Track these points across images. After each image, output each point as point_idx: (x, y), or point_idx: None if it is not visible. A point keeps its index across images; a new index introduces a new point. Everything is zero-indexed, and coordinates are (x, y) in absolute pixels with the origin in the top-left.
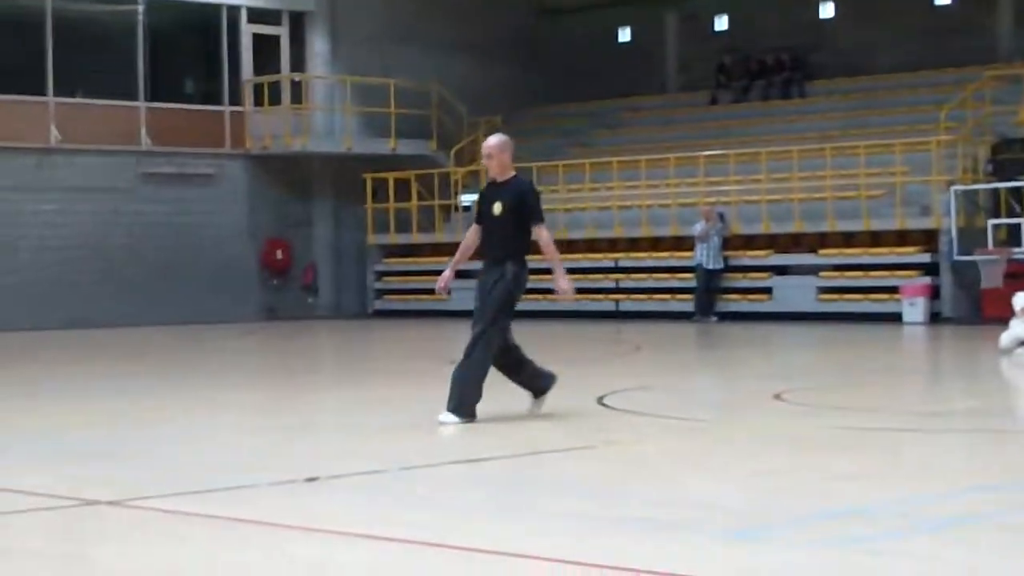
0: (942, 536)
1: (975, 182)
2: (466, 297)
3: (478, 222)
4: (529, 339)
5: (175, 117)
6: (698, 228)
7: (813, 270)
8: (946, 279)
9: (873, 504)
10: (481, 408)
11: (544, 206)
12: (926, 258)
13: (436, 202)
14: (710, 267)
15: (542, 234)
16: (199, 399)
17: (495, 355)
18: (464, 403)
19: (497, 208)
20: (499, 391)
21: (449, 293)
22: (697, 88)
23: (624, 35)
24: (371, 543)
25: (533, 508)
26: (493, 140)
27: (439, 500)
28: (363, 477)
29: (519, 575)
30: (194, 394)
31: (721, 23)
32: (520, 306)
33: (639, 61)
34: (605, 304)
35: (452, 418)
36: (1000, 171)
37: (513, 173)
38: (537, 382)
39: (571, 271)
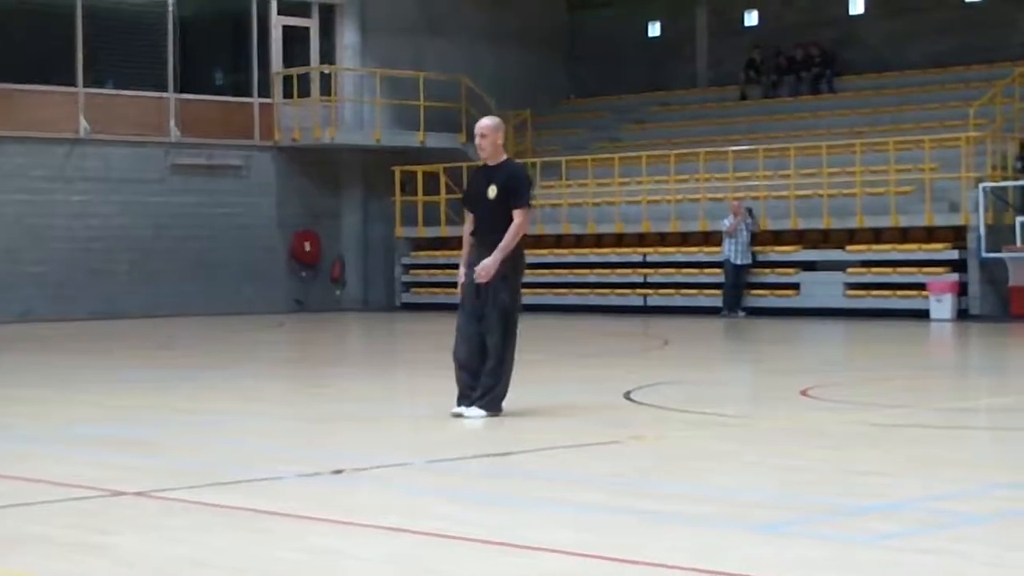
0: (969, 533)
1: (1004, 179)
2: None
3: (468, 207)
4: (556, 333)
5: (204, 108)
6: (727, 223)
7: (841, 266)
8: (974, 276)
9: (900, 500)
10: (508, 405)
11: (573, 200)
12: (954, 255)
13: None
14: (738, 262)
15: (519, 217)
16: (226, 390)
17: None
18: (497, 398)
19: (492, 191)
20: (524, 385)
21: None
22: (727, 83)
23: (654, 30)
24: (397, 535)
25: (559, 502)
26: (487, 121)
27: (465, 493)
28: (389, 469)
29: (544, 568)
30: (221, 385)
31: (751, 18)
32: (547, 300)
33: (669, 56)
34: (633, 299)
35: (479, 412)
36: None
37: (505, 157)
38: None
39: (599, 265)
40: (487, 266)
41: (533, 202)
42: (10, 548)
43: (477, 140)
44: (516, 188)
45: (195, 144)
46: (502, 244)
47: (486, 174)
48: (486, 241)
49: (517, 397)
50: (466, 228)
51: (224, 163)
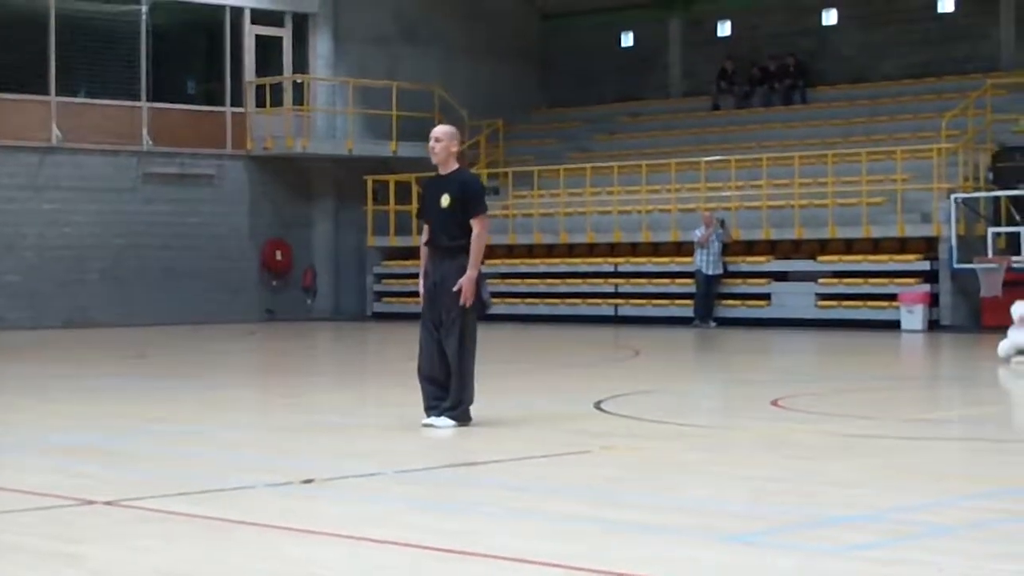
0: (939, 544)
1: (976, 190)
2: None
3: (423, 217)
4: (527, 343)
5: (177, 117)
6: (698, 233)
7: (813, 276)
8: (945, 287)
9: (870, 511)
10: (478, 415)
11: (544, 210)
12: (926, 266)
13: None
14: (710, 272)
15: (478, 225)
16: (198, 400)
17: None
18: (466, 408)
19: (445, 200)
20: (495, 395)
21: None
22: (699, 94)
23: (627, 40)
24: (367, 546)
25: (529, 512)
26: (442, 127)
27: (435, 503)
28: (360, 479)
29: None
30: (193, 395)
31: (724, 29)
32: (518, 310)
33: (642, 66)
34: (604, 308)
35: (448, 422)
36: (1001, 179)
37: (457, 166)
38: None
39: (571, 275)
40: (465, 286)
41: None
42: None
43: (431, 144)
44: (471, 197)
45: (167, 153)
46: (472, 259)
47: (438, 184)
48: (441, 249)
49: (487, 407)
50: (422, 239)
51: (196, 172)
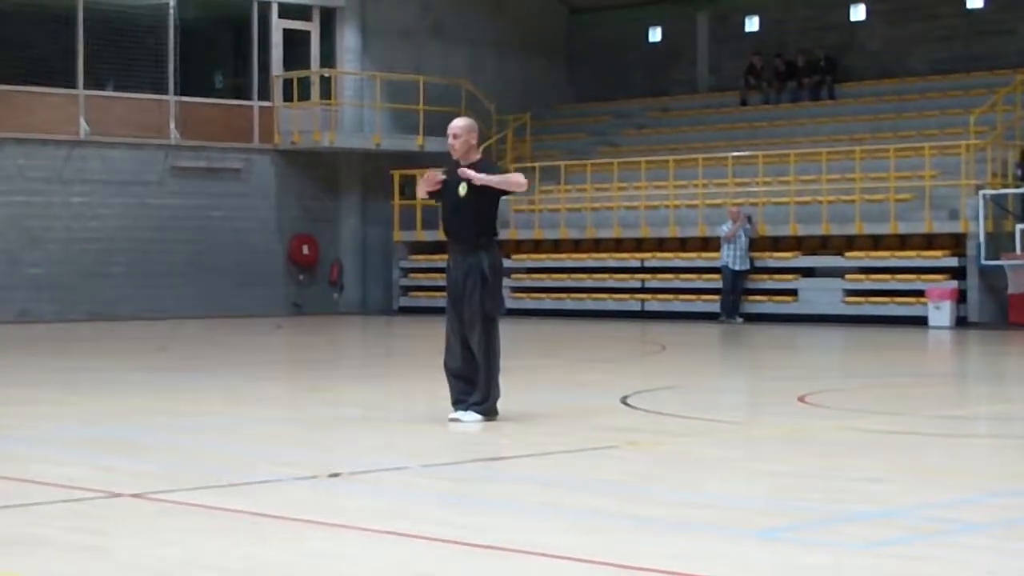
0: (966, 541)
1: (1004, 186)
2: None
3: (440, 202)
4: (553, 338)
5: (204, 111)
6: (725, 229)
7: (839, 272)
8: (973, 283)
9: (898, 507)
10: (505, 410)
11: (571, 205)
12: (953, 262)
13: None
14: (736, 268)
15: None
16: (224, 393)
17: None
18: (492, 403)
19: (462, 189)
20: (521, 390)
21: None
22: (727, 89)
23: (655, 35)
24: (392, 539)
25: (555, 506)
26: (460, 121)
27: (462, 497)
28: (386, 473)
29: (539, 573)
30: (219, 388)
31: (752, 24)
32: (545, 305)
33: (669, 61)
34: (631, 304)
35: (475, 417)
36: None
37: (478, 156)
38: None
39: (597, 270)
40: (472, 175)
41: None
42: (7, 549)
43: (449, 140)
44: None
45: (194, 147)
46: (495, 178)
47: (456, 173)
48: (463, 242)
49: (513, 402)
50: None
51: (223, 166)
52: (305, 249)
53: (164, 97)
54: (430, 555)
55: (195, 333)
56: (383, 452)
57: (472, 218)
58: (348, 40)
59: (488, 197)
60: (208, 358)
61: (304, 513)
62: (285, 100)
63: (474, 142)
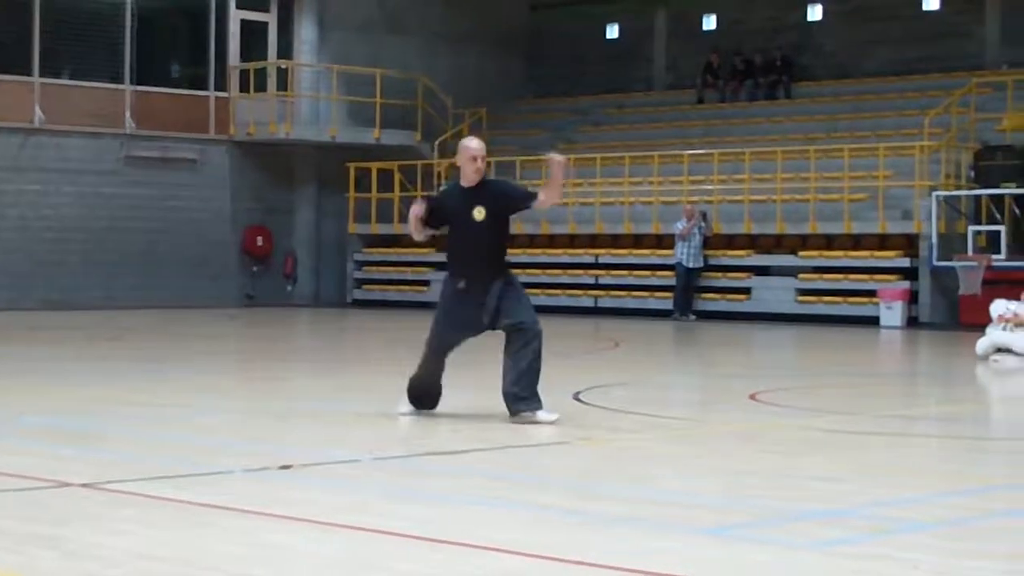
0: (914, 540)
1: (957, 188)
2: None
3: (437, 226)
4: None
5: (160, 101)
6: (680, 226)
7: (793, 271)
8: (925, 284)
9: (848, 506)
10: (457, 402)
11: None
12: (906, 263)
13: (418, 193)
14: (690, 265)
15: (541, 193)
16: (176, 383)
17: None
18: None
19: (479, 214)
20: (474, 385)
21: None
22: (684, 87)
23: (613, 32)
24: (343, 532)
25: (505, 501)
26: (479, 143)
27: (413, 491)
28: (338, 466)
29: (489, 567)
30: (171, 378)
31: (710, 22)
32: None
33: (627, 58)
34: (584, 300)
35: (551, 415)
36: (982, 178)
37: (482, 178)
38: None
39: (551, 266)
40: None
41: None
42: None
43: (477, 163)
44: (512, 195)
45: (150, 136)
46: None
47: (467, 197)
48: (479, 273)
49: (465, 396)
50: (416, 229)
51: (179, 156)
52: (259, 240)
53: (120, 86)
54: (380, 548)
55: (148, 323)
56: (335, 445)
57: (496, 242)
58: (305, 32)
59: (506, 219)
60: (161, 348)
61: (254, 505)
62: (241, 91)
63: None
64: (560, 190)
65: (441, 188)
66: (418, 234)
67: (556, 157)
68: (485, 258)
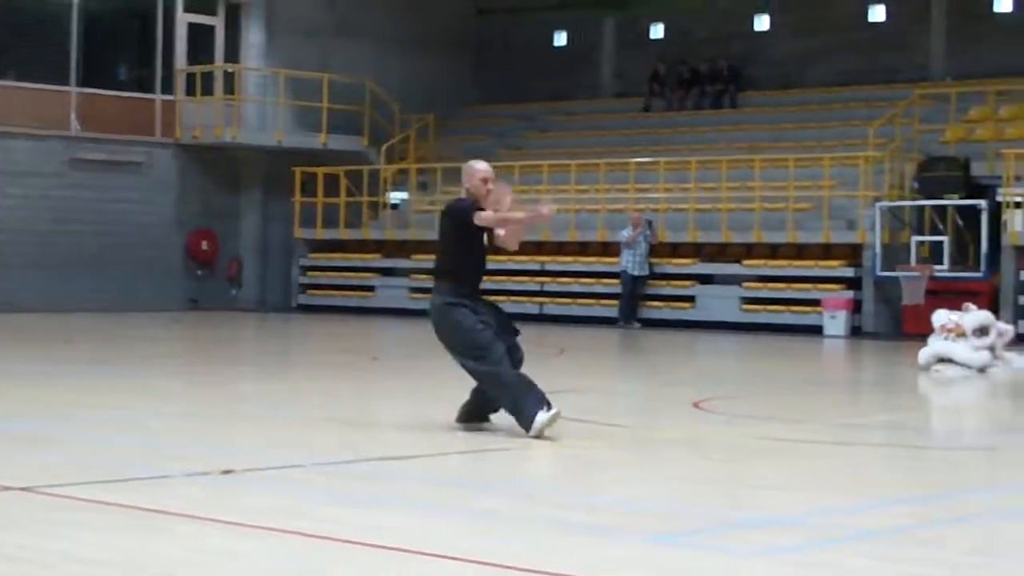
0: (858, 548)
1: (901, 199)
2: (392, 296)
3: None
4: None
5: (106, 103)
6: (625, 234)
7: (737, 280)
8: (868, 294)
9: (791, 514)
10: (402, 410)
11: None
12: (850, 272)
13: (364, 199)
14: (635, 273)
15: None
16: (119, 387)
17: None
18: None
19: (486, 236)
20: (418, 391)
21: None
22: (631, 95)
23: (561, 39)
24: (284, 537)
25: (449, 507)
26: (488, 166)
27: (355, 496)
28: (280, 471)
29: (433, 573)
30: (114, 382)
31: (657, 31)
32: None
33: (574, 65)
34: (529, 307)
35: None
36: (926, 189)
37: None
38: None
39: (496, 272)
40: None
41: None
42: None
43: (489, 186)
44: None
45: (96, 139)
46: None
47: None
48: (478, 284)
49: (411, 403)
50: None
51: (125, 159)
52: (204, 244)
53: (66, 88)
54: (322, 553)
55: (92, 326)
56: (278, 450)
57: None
58: (253, 36)
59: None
60: (104, 352)
61: (196, 510)
62: (188, 94)
63: None
64: (512, 231)
65: (460, 199)
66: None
67: (544, 210)
68: (482, 274)
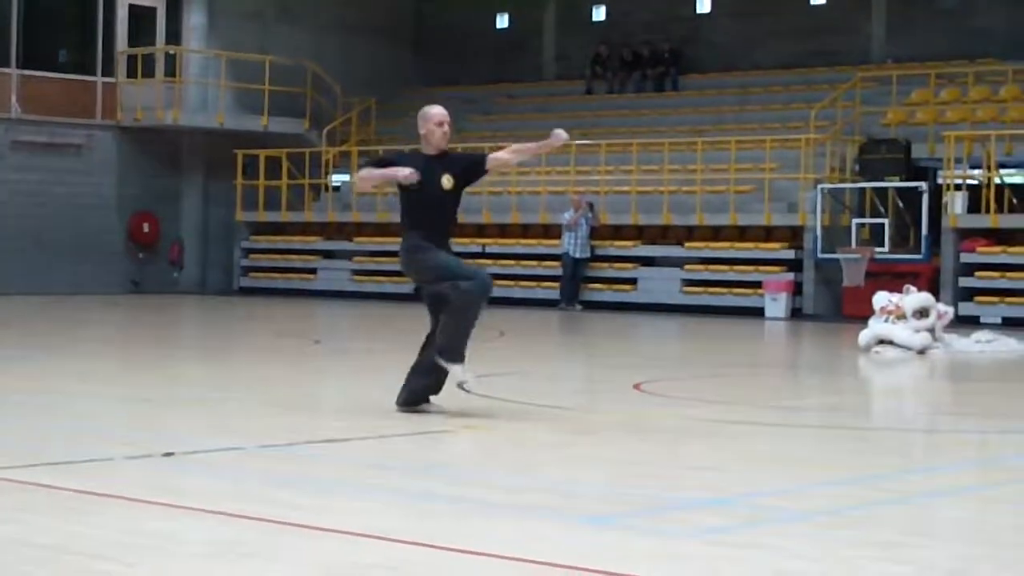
0: (794, 529)
1: (842, 181)
2: (334, 278)
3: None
4: (393, 322)
5: (47, 85)
6: (567, 217)
7: (679, 262)
8: (809, 276)
9: (727, 496)
10: (343, 393)
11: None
12: (791, 254)
13: (306, 181)
14: (577, 255)
15: (504, 154)
16: (59, 370)
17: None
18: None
19: (447, 182)
20: (357, 374)
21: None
22: (573, 77)
23: (502, 21)
24: (224, 519)
25: (389, 489)
26: (443, 110)
27: (295, 479)
28: (221, 453)
29: (370, 555)
30: (53, 365)
31: (599, 13)
32: (386, 289)
33: (516, 48)
34: None
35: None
36: (867, 171)
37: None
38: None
39: None
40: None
41: None
42: None
43: (445, 128)
44: (472, 161)
45: (36, 121)
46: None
47: (432, 164)
48: (446, 232)
49: (351, 385)
50: (374, 172)
51: (65, 141)
52: (146, 227)
53: (6, 70)
54: (262, 536)
55: (31, 310)
56: (218, 432)
57: (455, 211)
58: (194, 18)
59: (462, 189)
60: (44, 335)
61: (136, 492)
62: (129, 76)
63: None
64: (527, 155)
65: (393, 152)
66: (365, 184)
67: (562, 135)
68: (447, 225)
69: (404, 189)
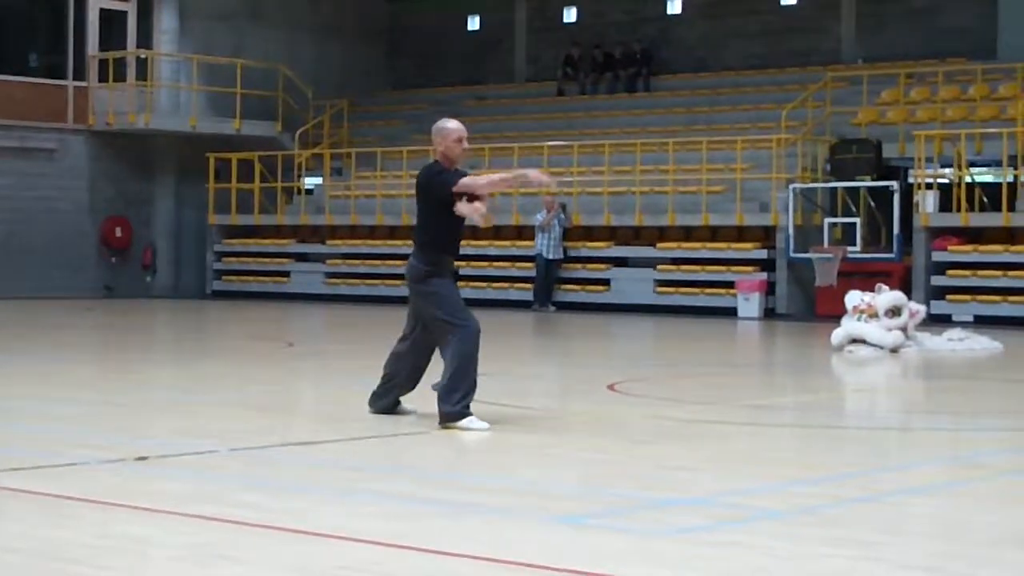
0: (769, 528)
1: (813, 181)
2: (307, 281)
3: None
4: (367, 324)
5: (18, 90)
6: (540, 218)
7: (652, 263)
8: (782, 276)
9: (702, 495)
10: (316, 396)
11: (387, 191)
12: (763, 254)
13: (279, 184)
14: (550, 257)
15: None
16: (32, 375)
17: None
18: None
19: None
20: (334, 376)
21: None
22: (544, 79)
23: (474, 23)
24: (198, 522)
25: (361, 491)
26: (460, 124)
27: (270, 481)
28: (194, 457)
29: (346, 557)
30: (27, 370)
31: (570, 15)
32: (362, 291)
33: (488, 50)
34: None
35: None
36: (838, 171)
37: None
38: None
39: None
40: (538, 178)
41: None
42: None
43: (464, 144)
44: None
45: (7, 126)
46: (493, 181)
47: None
48: (456, 251)
49: (325, 387)
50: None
51: (36, 146)
52: (118, 231)
53: None
54: (236, 538)
55: (4, 314)
56: (192, 436)
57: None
58: (166, 21)
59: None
60: (17, 339)
61: (110, 496)
62: (101, 80)
63: None
64: (493, 187)
65: (432, 166)
66: (496, 187)
67: (538, 177)
68: (459, 245)
69: (450, 205)
